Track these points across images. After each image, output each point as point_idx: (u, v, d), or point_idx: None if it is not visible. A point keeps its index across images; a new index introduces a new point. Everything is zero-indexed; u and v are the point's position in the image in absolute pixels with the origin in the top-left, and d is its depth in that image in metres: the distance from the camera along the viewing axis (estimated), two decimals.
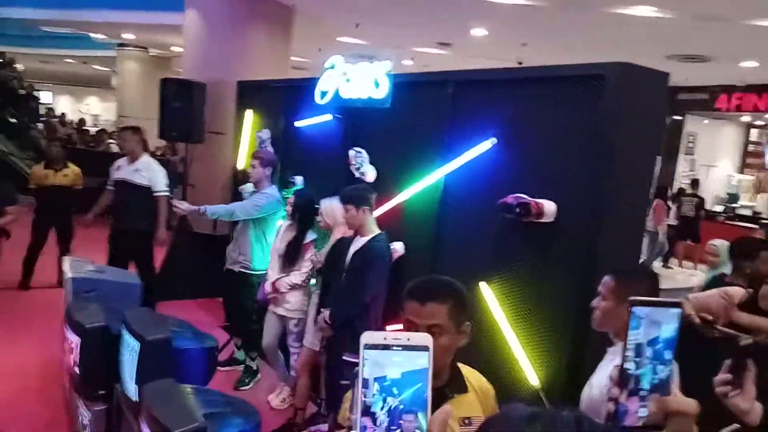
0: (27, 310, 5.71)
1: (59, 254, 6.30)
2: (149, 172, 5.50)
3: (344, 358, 3.48)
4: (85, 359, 3.08)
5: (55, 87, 25.04)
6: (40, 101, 12.93)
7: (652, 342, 0.94)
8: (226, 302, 5.09)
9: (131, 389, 2.76)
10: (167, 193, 5.58)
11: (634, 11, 6.50)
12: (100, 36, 14.11)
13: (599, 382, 2.01)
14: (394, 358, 0.78)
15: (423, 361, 0.78)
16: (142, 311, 3.13)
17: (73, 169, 6.62)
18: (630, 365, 0.93)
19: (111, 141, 12.30)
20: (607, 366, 2.09)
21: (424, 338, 0.80)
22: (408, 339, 0.79)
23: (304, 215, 4.18)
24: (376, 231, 3.57)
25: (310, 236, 4.20)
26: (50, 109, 18.35)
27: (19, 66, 13.82)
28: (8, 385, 4.21)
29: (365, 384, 0.77)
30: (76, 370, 3.18)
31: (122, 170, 5.49)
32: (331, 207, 3.93)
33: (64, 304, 3.91)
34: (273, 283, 4.15)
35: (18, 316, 5.57)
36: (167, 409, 2.27)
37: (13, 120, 11.43)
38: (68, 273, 3.82)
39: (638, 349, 0.94)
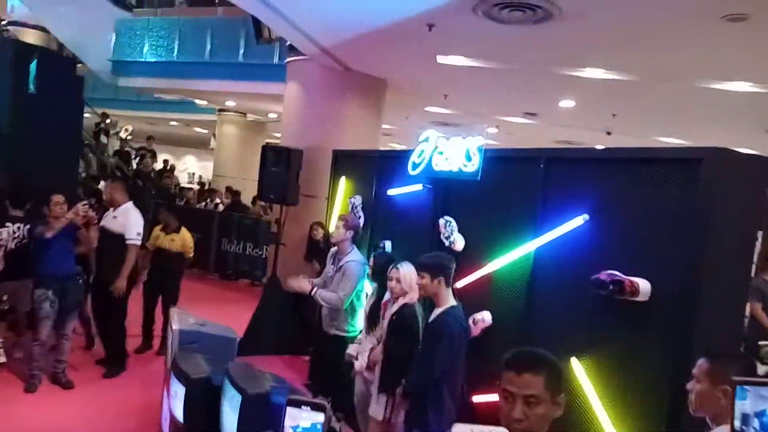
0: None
1: (163, 321, 6.03)
2: (124, 218, 5.40)
3: None
4: (189, 408, 3.28)
5: (157, 147, 27.08)
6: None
7: (760, 414, 1.01)
8: (317, 362, 5.23)
9: None
10: (137, 243, 5.42)
11: (729, 86, 6.43)
12: (203, 102, 15.32)
13: None
14: None
15: None
16: (243, 365, 3.33)
17: (182, 235, 6.38)
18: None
19: (217, 201, 13.27)
20: None
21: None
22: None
23: (383, 275, 4.28)
24: (451, 303, 3.46)
25: (387, 296, 4.29)
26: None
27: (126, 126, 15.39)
28: (109, 427, 4.52)
29: None
30: (179, 417, 3.39)
31: (105, 219, 5.49)
32: (410, 273, 3.82)
33: (168, 354, 4.19)
34: (368, 357, 4.12)
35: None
36: None
37: None
38: (174, 325, 4.11)
39: (745, 419, 1.01)
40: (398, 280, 3.82)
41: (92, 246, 5.25)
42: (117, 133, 15.34)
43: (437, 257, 3.61)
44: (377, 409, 3.83)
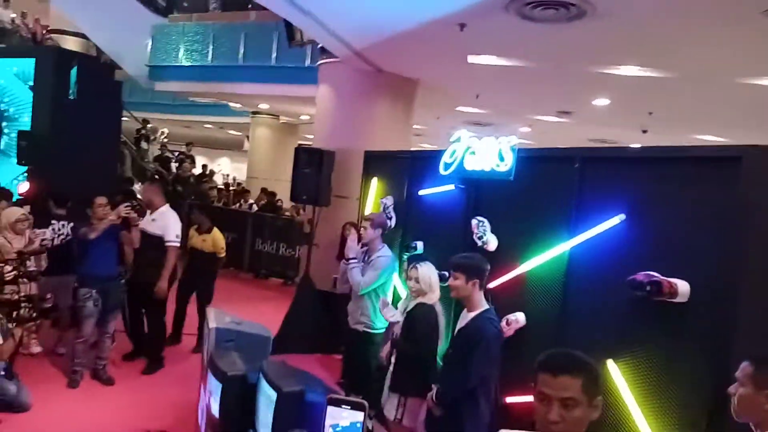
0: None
1: (198, 319, 6.26)
2: (163, 221, 5.51)
3: None
4: (225, 405, 3.34)
5: (193, 149, 27.58)
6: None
7: None
8: (348, 360, 5.28)
9: None
10: (176, 244, 5.53)
11: None
12: (237, 105, 15.55)
13: None
14: None
15: None
16: (277, 363, 3.37)
17: (213, 236, 6.52)
18: None
19: (252, 201, 13.43)
20: None
21: None
22: None
23: None
24: (484, 306, 3.37)
25: None
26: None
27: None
28: (148, 421, 4.64)
29: None
30: (216, 414, 3.45)
31: (143, 221, 5.56)
32: (429, 273, 3.80)
33: (205, 352, 4.27)
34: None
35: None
36: None
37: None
38: (212, 323, 4.18)
39: None
40: (417, 280, 3.78)
41: (135, 246, 5.38)
42: (156, 139, 15.70)
43: (473, 258, 3.49)
44: (390, 409, 3.81)
